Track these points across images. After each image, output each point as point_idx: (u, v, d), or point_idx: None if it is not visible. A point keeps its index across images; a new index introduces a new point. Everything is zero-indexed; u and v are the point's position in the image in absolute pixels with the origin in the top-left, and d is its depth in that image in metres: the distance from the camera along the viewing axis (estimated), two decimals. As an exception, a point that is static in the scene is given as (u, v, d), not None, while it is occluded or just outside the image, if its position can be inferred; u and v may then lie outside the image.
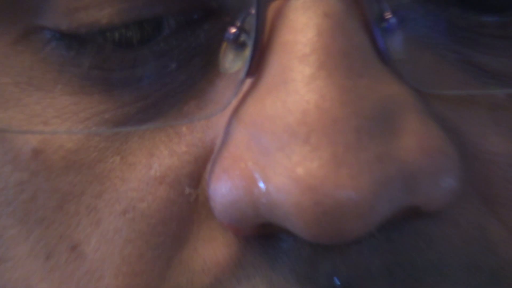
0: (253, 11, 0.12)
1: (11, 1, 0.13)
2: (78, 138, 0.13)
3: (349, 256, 0.12)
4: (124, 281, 0.13)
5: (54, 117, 0.13)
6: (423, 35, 0.13)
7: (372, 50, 0.12)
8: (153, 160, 0.13)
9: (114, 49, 0.13)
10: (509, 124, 0.13)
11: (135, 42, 0.13)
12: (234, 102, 0.13)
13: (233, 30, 0.12)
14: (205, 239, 0.13)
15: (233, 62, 0.13)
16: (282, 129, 0.12)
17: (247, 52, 0.13)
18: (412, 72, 0.13)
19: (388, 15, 0.12)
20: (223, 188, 0.12)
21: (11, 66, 0.14)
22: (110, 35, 0.13)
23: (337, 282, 0.12)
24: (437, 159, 0.12)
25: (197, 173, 0.13)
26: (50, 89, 0.13)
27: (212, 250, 0.13)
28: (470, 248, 0.13)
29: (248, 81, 0.13)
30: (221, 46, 0.13)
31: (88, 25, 0.13)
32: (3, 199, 0.14)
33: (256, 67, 0.12)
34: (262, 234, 0.13)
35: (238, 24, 0.13)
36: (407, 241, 0.13)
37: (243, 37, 0.13)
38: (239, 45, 0.13)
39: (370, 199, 0.11)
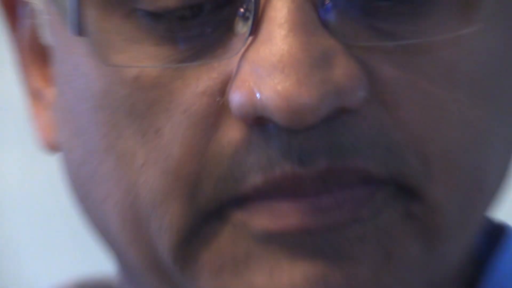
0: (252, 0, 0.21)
1: None
2: (158, 70, 0.22)
3: (307, 137, 0.21)
4: (185, 149, 0.22)
5: (144, 58, 0.23)
6: (349, 11, 0.22)
7: (319, 21, 0.21)
8: (199, 82, 0.22)
9: (177, 20, 0.22)
10: (398, 62, 0.22)
11: (189, 17, 0.22)
12: (243, 50, 0.22)
13: (242, 10, 0.22)
14: (228, 126, 0.22)
15: (242, 28, 0.22)
16: (269, 64, 0.20)
17: (250, 22, 0.21)
18: (344, 31, 0.21)
19: (327, 2, 0.21)
20: (237, 97, 0.21)
21: (121, 31, 0.23)
22: (175, 12, 0.22)
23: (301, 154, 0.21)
24: (355, 81, 0.21)
25: (223, 88, 0.22)
26: (142, 43, 0.23)
27: (232, 132, 0.22)
28: (372, 132, 0.21)
29: (250, 38, 0.22)
30: (236, 19, 0.22)
31: (162, 8, 0.22)
32: (117, 104, 0.23)
33: (254, 31, 0.21)
34: (259, 123, 0.22)
35: (245, 6, 0.22)
36: (338, 129, 0.21)
37: (247, 14, 0.21)
38: (245, 19, 0.22)
39: (317, 103, 0.20)
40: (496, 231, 0.29)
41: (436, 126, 0.22)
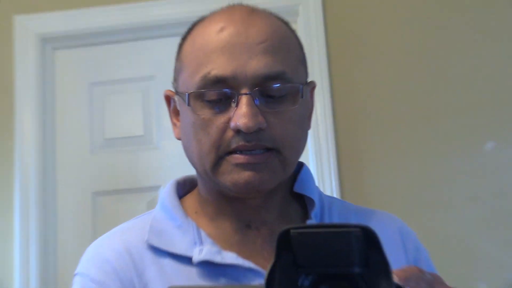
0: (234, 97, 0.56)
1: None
2: (209, 115, 0.57)
3: (250, 135, 0.54)
4: (215, 138, 0.56)
5: (205, 111, 0.57)
6: (262, 100, 0.58)
7: (254, 103, 0.55)
8: (220, 119, 0.55)
9: (215, 101, 0.57)
10: (276, 115, 0.56)
11: (218, 101, 0.57)
12: (234, 110, 0.55)
13: (233, 100, 0.56)
14: (228, 132, 0.56)
15: (233, 104, 0.55)
16: (241, 115, 0.54)
17: (235, 104, 0.55)
18: (260, 106, 0.56)
19: (255, 99, 0.56)
20: (232, 124, 0.55)
21: (199, 106, 0.57)
22: (214, 99, 0.57)
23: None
24: (262, 122, 0.54)
25: (227, 121, 0.55)
26: (204, 108, 0.58)
27: (229, 133, 0.55)
28: (269, 134, 0.56)
29: (235, 108, 0.55)
30: (231, 102, 0.56)
31: (211, 99, 0.57)
32: (196, 124, 0.58)
33: (236, 106, 0.55)
34: (237, 131, 0.54)
35: (234, 100, 0.55)
36: (260, 133, 0.55)
37: (233, 101, 0.55)
38: (234, 102, 0.55)
39: (253, 125, 0.53)
40: (300, 163, 0.69)
41: (287, 135, 0.59)
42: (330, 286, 0.38)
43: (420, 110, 1.74)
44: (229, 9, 0.66)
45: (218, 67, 0.60)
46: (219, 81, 0.60)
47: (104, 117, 1.75)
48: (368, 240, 0.35)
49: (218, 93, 0.60)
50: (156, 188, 1.64)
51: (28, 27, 1.74)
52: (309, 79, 0.69)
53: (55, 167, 1.71)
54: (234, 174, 0.61)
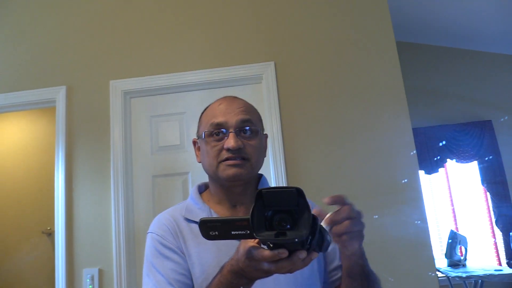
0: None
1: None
2: (212, 145, 1.02)
3: (234, 150, 0.98)
4: (215, 155, 1.01)
5: (211, 144, 1.04)
6: (243, 135, 1.03)
7: (238, 137, 1.01)
8: (219, 145, 1.02)
9: (216, 134, 1.03)
10: (251, 141, 1.03)
11: (221, 138, 1.02)
12: (225, 140, 1.01)
13: (226, 137, 1.01)
14: (223, 151, 1.01)
15: (224, 139, 1.01)
16: (231, 143, 0.99)
17: (225, 140, 1.01)
18: (240, 136, 1.02)
19: (241, 135, 1.02)
20: (226, 146, 1.00)
21: (208, 141, 1.03)
22: (219, 140, 1.03)
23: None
24: (241, 144, 0.99)
25: (222, 145, 1.01)
26: (211, 143, 1.03)
27: (224, 152, 1.01)
28: (244, 151, 1.02)
29: (226, 139, 1.01)
30: (224, 137, 1.01)
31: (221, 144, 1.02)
32: (209, 144, 1.04)
33: (227, 139, 1.00)
34: (228, 149, 0.99)
35: (225, 137, 1.01)
36: (240, 150, 1.00)
37: (225, 139, 1.01)
38: (226, 137, 1.00)
39: (236, 146, 0.98)
40: (260, 174, 1.09)
41: (253, 152, 1.00)
42: (280, 215, 0.64)
43: (333, 131, 2.22)
44: (224, 97, 1.09)
45: (219, 119, 1.01)
46: (218, 125, 1.01)
47: (158, 134, 2.34)
48: (299, 194, 0.61)
49: (218, 131, 1.01)
50: (186, 173, 2.25)
51: (117, 87, 2.38)
52: (267, 121, 1.27)
53: (132, 162, 2.32)
54: (227, 171, 0.99)
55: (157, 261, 0.97)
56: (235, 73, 2.32)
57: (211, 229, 0.67)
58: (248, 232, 0.63)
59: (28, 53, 2.56)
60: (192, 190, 1.11)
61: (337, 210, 0.77)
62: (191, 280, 0.95)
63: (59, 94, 2.44)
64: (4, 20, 2.61)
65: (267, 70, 2.32)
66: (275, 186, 0.98)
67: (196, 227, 0.99)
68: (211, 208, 1.04)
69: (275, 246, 0.65)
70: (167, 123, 2.37)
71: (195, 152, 1.12)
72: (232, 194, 1.04)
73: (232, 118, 1.01)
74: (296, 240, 0.62)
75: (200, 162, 1.09)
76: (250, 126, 1.02)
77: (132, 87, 2.39)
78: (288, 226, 0.62)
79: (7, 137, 3.78)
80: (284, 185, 0.96)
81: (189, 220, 1.02)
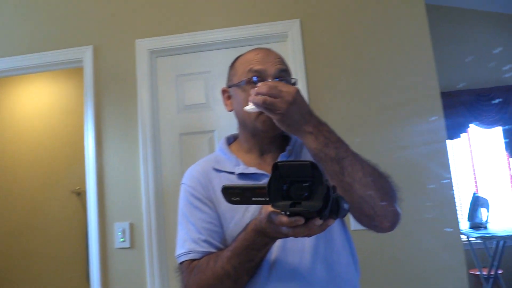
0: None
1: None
2: (246, 91, 1.02)
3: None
4: None
5: (243, 95, 1.04)
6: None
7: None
8: None
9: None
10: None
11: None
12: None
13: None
14: None
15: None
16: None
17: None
18: None
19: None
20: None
21: (241, 92, 1.03)
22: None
23: None
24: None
25: None
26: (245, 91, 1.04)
27: None
28: None
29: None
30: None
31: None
32: (244, 92, 1.02)
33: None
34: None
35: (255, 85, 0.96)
36: None
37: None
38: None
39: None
40: None
41: None
42: (297, 185, 0.67)
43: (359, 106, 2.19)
44: (259, 47, 1.09)
45: (258, 66, 1.01)
46: (257, 72, 1.00)
47: (184, 93, 2.37)
48: (313, 167, 0.64)
49: (256, 78, 1.00)
50: (211, 131, 2.29)
51: (143, 46, 2.39)
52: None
53: (158, 120, 2.36)
54: (267, 122, 0.98)
55: (188, 211, 1.02)
56: (260, 31, 2.31)
57: (233, 195, 0.72)
58: (267, 199, 0.67)
59: (54, 13, 2.57)
60: (221, 141, 1.14)
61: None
62: (220, 227, 1.00)
63: (86, 54, 2.46)
64: (30, -20, 2.60)
65: (292, 28, 2.28)
66: (291, 160, 1.03)
67: (224, 176, 1.04)
68: (239, 158, 1.07)
69: (292, 214, 0.68)
70: (192, 82, 2.40)
71: (224, 101, 1.12)
72: (262, 143, 1.06)
73: (271, 67, 1.01)
74: (310, 210, 0.65)
75: (230, 111, 1.10)
76: (286, 75, 1.03)
77: (157, 46, 2.40)
78: (306, 194, 0.65)
79: (36, 99, 3.88)
80: (299, 159, 1.03)
81: (218, 170, 1.06)
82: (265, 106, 0.89)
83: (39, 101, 3.90)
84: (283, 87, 0.89)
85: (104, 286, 2.28)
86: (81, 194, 3.62)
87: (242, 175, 1.02)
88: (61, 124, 3.80)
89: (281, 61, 1.05)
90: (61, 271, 3.58)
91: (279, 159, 1.02)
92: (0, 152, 3.48)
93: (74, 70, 2.64)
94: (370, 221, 0.90)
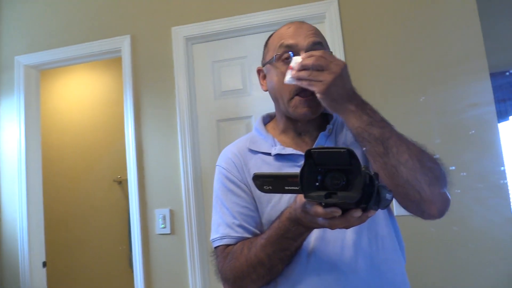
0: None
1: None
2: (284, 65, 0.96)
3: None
4: None
5: (278, 71, 0.98)
6: None
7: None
8: None
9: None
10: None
11: None
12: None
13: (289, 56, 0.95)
14: None
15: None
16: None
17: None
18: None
19: None
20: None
21: (276, 70, 0.97)
22: None
23: None
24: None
25: None
26: (279, 69, 0.98)
27: None
28: None
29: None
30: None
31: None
32: (279, 72, 0.98)
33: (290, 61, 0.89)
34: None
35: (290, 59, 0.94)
36: None
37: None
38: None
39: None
40: None
41: None
42: (333, 174, 0.62)
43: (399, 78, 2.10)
44: (292, 22, 1.02)
45: (289, 41, 0.95)
46: (288, 47, 0.95)
47: (221, 79, 2.36)
48: (350, 155, 0.58)
49: (287, 55, 0.94)
50: (249, 117, 2.29)
51: (179, 33, 2.39)
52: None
53: (196, 107, 2.37)
54: (299, 108, 0.94)
55: (223, 195, 0.99)
56: (296, 13, 2.25)
57: (264, 183, 0.68)
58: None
59: (91, 4, 2.62)
60: (257, 121, 1.10)
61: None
62: (256, 211, 0.96)
63: (124, 43, 2.49)
64: (69, -27, 2.65)
65: (330, 8, 2.21)
66: (326, 146, 0.94)
67: (260, 157, 1.00)
68: (275, 138, 1.03)
69: (328, 205, 0.63)
70: (228, 68, 2.38)
71: (260, 81, 1.09)
72: (299, 125, 1.02)
73: (304, 40, 0.96)
74: (347, 202, 0.60)
75: (266, 91, 1.06)
76: (320, 47, 0.96)
77: (193, 33, 2.40)
78: (343, 183, 0.60)
79: (76, 91, 3.98)
80: (335, 146, 0.93)
81: (254, 151, 1.02)
82: (310, 78, 0.84)
83: (79, 92, 3.99)
84: (332, 58, 0.84)
85: (146, 271, 2.33)
86: (122, 183, 3.70)
87: (279, 156, 0.98)
88: (102, 114, 3.89)
89: (315, 33, 0.98)
90: (105, 258, 3.69)
91: (318, 139, 0.98)
92: (46, 144, 3.59)
93: (111, 60, 2.67)
94: (417, 207, 0.82)
